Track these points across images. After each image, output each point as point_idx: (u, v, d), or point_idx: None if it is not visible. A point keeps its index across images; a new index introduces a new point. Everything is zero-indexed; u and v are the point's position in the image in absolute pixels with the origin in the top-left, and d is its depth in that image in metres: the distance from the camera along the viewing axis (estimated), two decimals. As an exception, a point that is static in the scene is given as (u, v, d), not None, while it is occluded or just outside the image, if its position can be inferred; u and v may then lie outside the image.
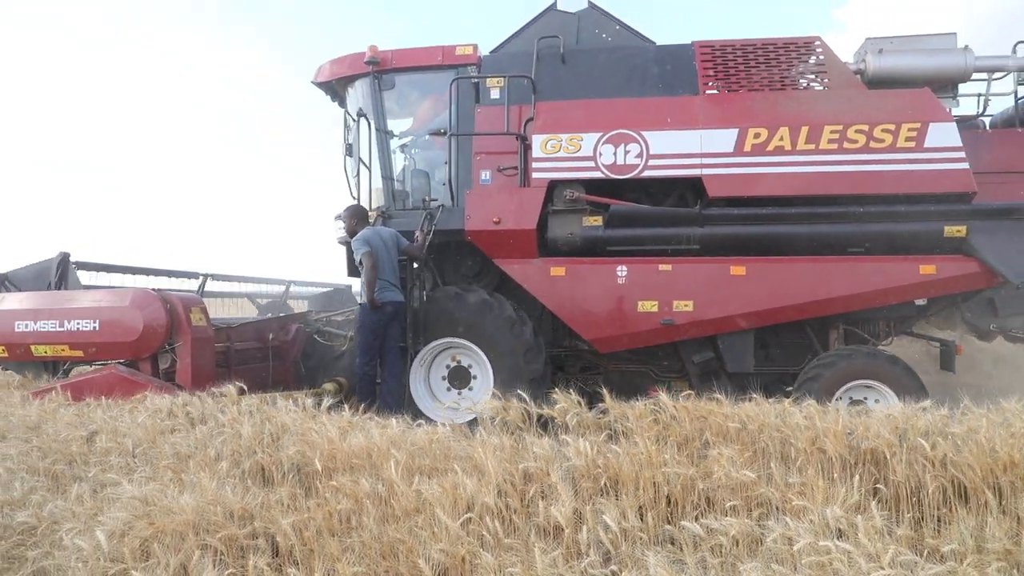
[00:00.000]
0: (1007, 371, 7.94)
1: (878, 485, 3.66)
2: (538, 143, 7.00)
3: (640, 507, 3.11)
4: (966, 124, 7.70)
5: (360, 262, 6.78)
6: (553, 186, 7.08)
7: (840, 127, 6.78)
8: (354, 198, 7.85)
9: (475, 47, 7.94)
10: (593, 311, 7.01)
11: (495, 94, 7.55)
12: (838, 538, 2.62)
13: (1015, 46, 7.59)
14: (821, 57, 7.32)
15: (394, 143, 8.22)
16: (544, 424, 4.60)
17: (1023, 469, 3.46)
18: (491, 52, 8.00)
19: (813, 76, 7.29)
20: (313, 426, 4.28)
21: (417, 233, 7.15)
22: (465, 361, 7.30)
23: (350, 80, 8.17)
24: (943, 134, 6.66)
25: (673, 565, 2.43)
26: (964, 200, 6.71)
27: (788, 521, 2.83)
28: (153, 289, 7.25)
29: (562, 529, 2.80)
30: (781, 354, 7.21)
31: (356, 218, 7.14)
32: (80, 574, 2.45)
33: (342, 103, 8.48)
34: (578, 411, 4.59)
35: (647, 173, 6.99)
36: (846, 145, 6.74)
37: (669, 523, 3.04)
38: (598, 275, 7.00)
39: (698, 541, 2.77)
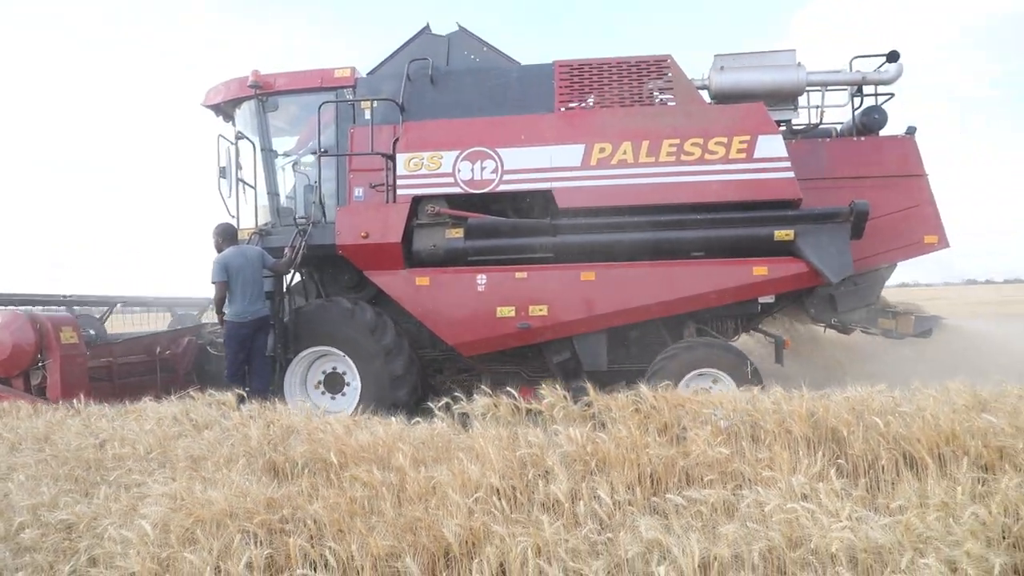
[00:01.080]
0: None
1: (839, 460, 4.05)
2: (402, 161, 7.47)
3: (628, 484, 3.46)
4: (816, 134, 8.42)
5: (213, 282, 7.22)
6: (417, 201, 7.51)
7: (678, 140, 7.26)
8: (232, 216, 8.21)
9: (353, 70, 8.40)
10: (456, 317, 7.44)
11: (368, 115, 7.99)
12: (803, 501, 3.00)
13: (851, 61, 8.28)
14: (669, 75, 7.84)
15: (279, 161, 8.66)
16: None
17: (962, 440, 3.89)
18: (368, 74, 8.45)
19: (661, 93, 7.78)
20: (320, 425, 4.58)
21: (287, 249, 7.57)
22: (340, 368, 7.69)
23: (237, 102, 8.63)
24: (771, 146, 7.19)
25: (662, 528, 2.78)
26: (791, 206, 7.23)
27: (759, 490, 3.21)
28: (22, 310, 7.78)
29: (561, 504, 3.15)
30: (639, 352, 7.68)
31: (222, 237, 7.52)
32: (133, 559, 2.71)
33: (233, 123, 8.89)
34: (564, 405, 4.96)
35: (502, 187, 7.47)
36: (683, 157, 7.24)
37: (655, 496, 3.39)
38: (459, 284, 7.41)
39: (681, 510, 3.14)
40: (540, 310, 7.30)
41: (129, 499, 3.47)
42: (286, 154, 8.76)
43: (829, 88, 8.35)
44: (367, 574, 2.59)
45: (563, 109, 7.77)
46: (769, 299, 7.53)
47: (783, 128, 8.22)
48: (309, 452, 4.14)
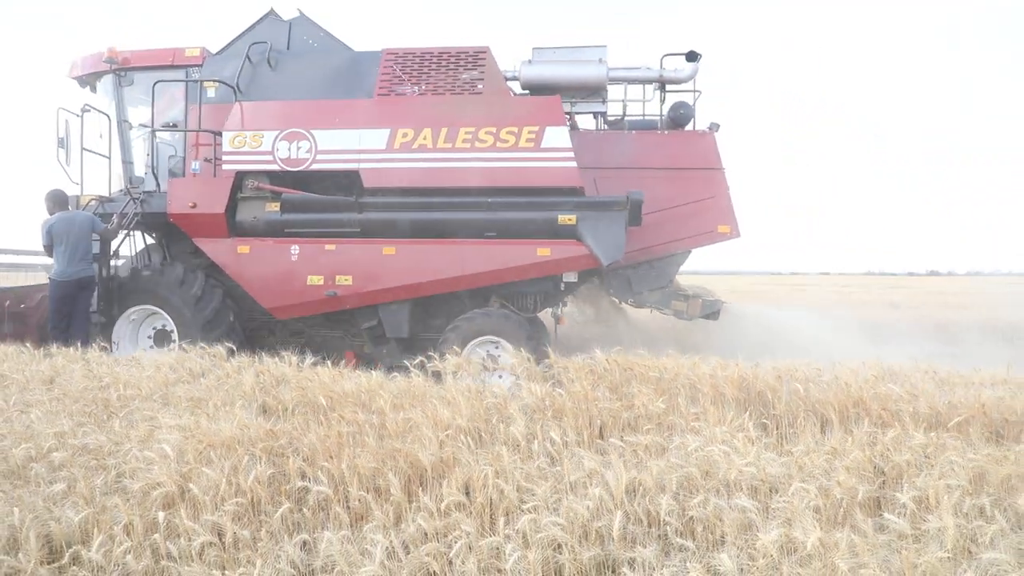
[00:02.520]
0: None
1: (764, 420, 4.67)
2: (227, 139, 8.23)
3: (578, 429, 4.04)
4: (641, 125, 9.13)
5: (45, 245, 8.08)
6: (242, 176, 8.27)
7: (473, 129, 7.98)
8: (76, 184, 8.86)
9: (203, 50, 9.03)
10: (271, 284, 8.23)
11: (211, 93, 8.71)
12: (721, 445, 3.59)
13: (662, 59, 8.97)
14: (483, 66, 8.48)
15: (135, 133, 9.30)
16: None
17: (867, 403, 4.53)
18: (216, 54, 9.04)
19: (474, 83, 8.42)
20: (307, 375, 5.10)
21: (115, 216, 8.27)
22: (168, 326, 8.37)
23: (98, 75, 9.26)
24: (556, 137, 7.87)
25: (601, 462, 3.35)
26: (575, 193, 7.95)
27: (689, 437, 3.81)
28: None
29: (519, 442, 3.72)
30: (439, 322, 8.47)
31: (53, 202, 8.25)
32: (159, 472, 3.23)
33: (96, 93, 9.57)
34: (527, 366, 5.56)
35: (315, 166, 8.18)
36: (477, 144, 7.95)
37: (600, 439, 3.98)
38: (276, 253, 8.19)
39: (619, 450, 3.72)
40: (346, 280, 8.08)
41: (145, 429, 3.97)
42: (143, 126, 9.23)
43: (631, 83, 9.04)
44: (354, 487, 3.13)
45: (381, 95, 8.40)
46: (572, 277, 8.25)
47: (600, 119, 9.10)
48: (299, 397, 4.66)
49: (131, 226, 8.51)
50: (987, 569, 2.20)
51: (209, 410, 4.47)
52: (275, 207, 8.27)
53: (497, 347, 7.78)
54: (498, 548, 2.58)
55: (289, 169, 8.21)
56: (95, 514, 2.97)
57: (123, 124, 9.19)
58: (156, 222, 8.62)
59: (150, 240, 9.36)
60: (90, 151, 8.84)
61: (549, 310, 8.77)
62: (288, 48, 9.03)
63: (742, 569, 2.34)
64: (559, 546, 2.64)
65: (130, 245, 8.92)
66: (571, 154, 7.79)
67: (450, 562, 2.55)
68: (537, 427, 3.93)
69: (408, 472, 3.34)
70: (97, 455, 3.71)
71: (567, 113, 8.68)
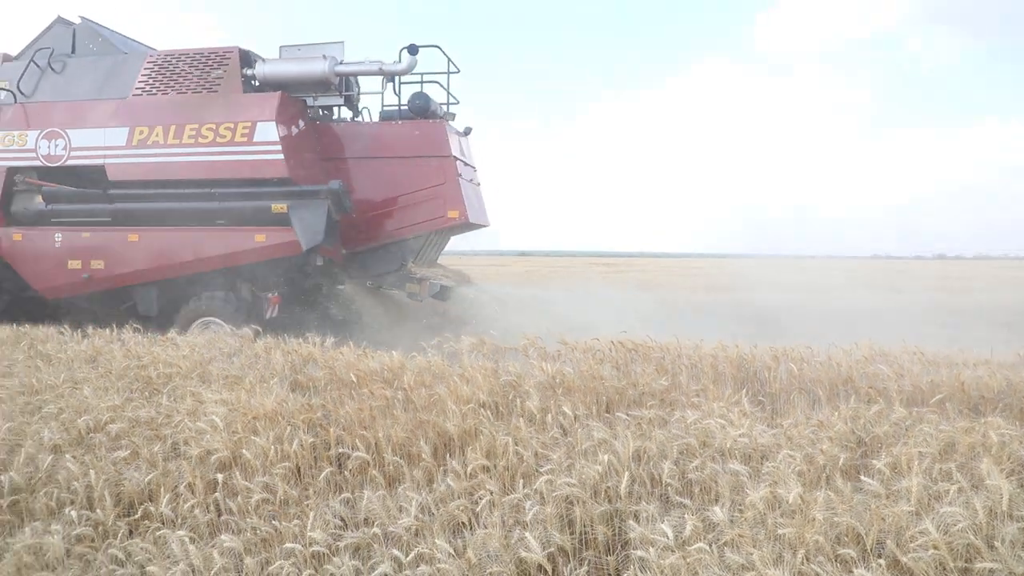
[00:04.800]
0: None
1: (760, 397, 5.02)
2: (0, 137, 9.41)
3: (587, 404, 4.40)
4: (387, 116, 9.67)
5: None
6: (14, 171, 9.45)
7: (197, 125, 8.84)
8: None
9: (4, 55, 9.94)
10: (40, 268, 9.38)
11: (2, 96, 9.74)
12: (717, 418, 3.94)
13: (400, 51, 9.36)
14: (227, 65, 9.20)
15: None
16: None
17: (856, 381, 4.88)
18: (15, 58, 9.91)
19: (214, 82, 9.18)
20: (333, 355, 5.47)
21: None
22: None
23: None
24: (266, 132, 8.68)
25: (609, 433, 3.71)
26: (286, 184, 8.72)
27: (688, 412, 4.16)
28: None
29: (534, 415, 4.08)
30: (183, 303, 9.15)
31: None
32: (212, 440, 3.60)
33: None
34: (538, 347, 5.92)
35: (70, 162, 9.26)
36: (200, 140, 8.82)
37: (607, 413, 4.34)
38: (43, 240, 9.33)
39: (625, 422, 4.08)
40: (99, 264, 9.11)
41: (191, 403, 4.35)
42: None
43: (356, 76, 9.67)
44: (389, 453, 3.50)
45: (135, 95, 9.28)
46: (319, 261, 9.04)
47: (337, 110, 9.85)
48: (328, 375, 5.03)
49: None
50: (943, 519, 2.55)
51: (246, 386, 4.84)
52: (41, 199, 9.42)
53: (217, 326, 8.60)
54: (518, 504, 2.94)
55: (50, 165, 9.33)
56: (160, 476, 3.34)
57: None
58: None
59: None
60: None
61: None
62: (73, 52, 9.84)
63: (732, 520, 2.69)
64: (572, 503, 3.00)
65: None
66: (279, 147, 8.60)
67: (477, 515, 2.91)
68: (550, 402, 4.29)
69: (436, 441, 3.70)
70: (151, 426, 4.09)
71: (323, 107, 9.62)
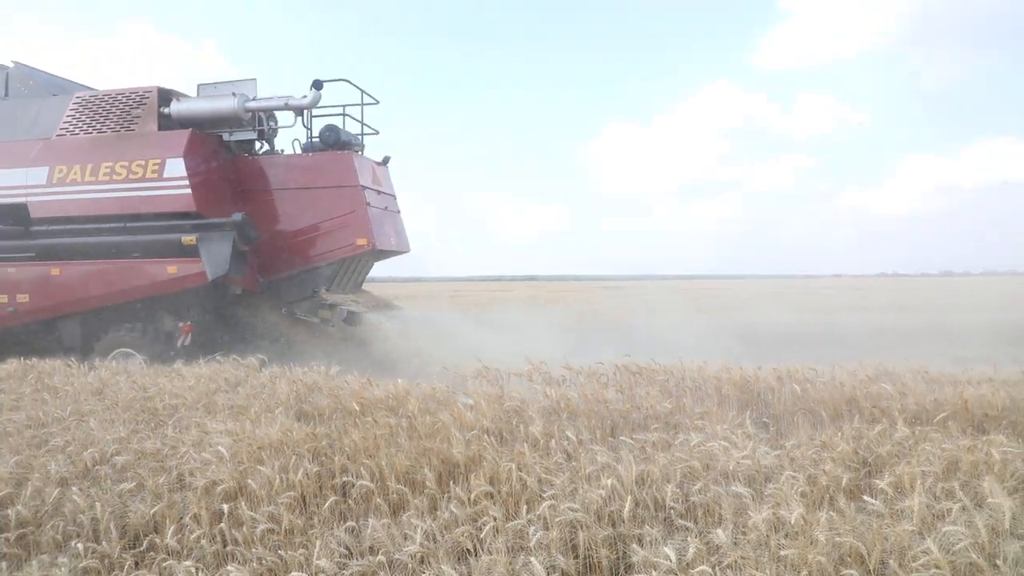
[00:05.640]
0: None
1: (764, 419, 5.02)
2: None
3: (591, 429, 4.41)
4: (306, 148, 10.02)
5: None
6: None
7: (111, 163, 9.28)
8: None
9: None
10: None
11: None
12: (721, 441, 3.95)
13: (314, 83, 9.67)
14: (146, 105, 9.64)
15: None
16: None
17: (859, 401, 4.88)
18: None
19: (132, 121, 9.61)
20: (338, 384, 5.50)
21: None
22: None
23: None
24: (175, 167, 9.11)
25: (613, 457, 3.72)
26: (194, 217, 9.08)
27: (692, 434, 4.16)
28: None
29: (538, 440, 4.09)
30: (105, 334, 9.49)
31: None
32: (217, 471, 3.62)
33: None
34: (542, 372, 5.93)
35: None
36: (115, 177, 9.27)
37: (611, 437, 4.34)
38: None
39: (629, 447, 4.08)
40: (24, 298, 9.51)
41: (196, 434, 4.37)
42: None
43: (265, 112, 10.01)
44: (393, 481, 3.51)
45: (59, 136, 9.72)
46: (237, 290, 9.49)
47: (262, 145, 10.23)
48: (333, 404, 5.06)
49: None
50: (945, 538, 2.55)
51: (251, 416, 4.87)
52: None
53: (131, 356, 8.99)
54: (522, 530, 2.95)
55: None
56: (165, 507, 3.36)
57: None
58: None
59: None
60: None
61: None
62: (7, 95, 10.34)
63: (735, 542, 2.70)
64: (576, 528, 3.01)
65: None
66: (186, 182, 9.01)
67: (481, 541, 2.92)
68: (554, 427, 4.30)
69: (440, 468, 3.72)
70: (156, 457, 4.11)
71: (238, 141, 9.96)
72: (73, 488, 3.62)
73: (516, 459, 3.65)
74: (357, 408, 4.74)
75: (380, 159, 10.55)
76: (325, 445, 4.09)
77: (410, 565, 2.77)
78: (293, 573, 2.72)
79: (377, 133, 10.55)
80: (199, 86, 9.98)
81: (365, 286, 11.38)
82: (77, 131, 9.68)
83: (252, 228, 9.08)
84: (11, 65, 10.43)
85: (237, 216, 8.93)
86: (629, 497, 3.12)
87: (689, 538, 2.75)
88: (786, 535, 2.73)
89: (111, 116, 9.64)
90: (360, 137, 10.18)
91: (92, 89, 10.56)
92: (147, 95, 9.60)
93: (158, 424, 4.98)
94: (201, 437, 4.28)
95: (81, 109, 9.76)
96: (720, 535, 2.66)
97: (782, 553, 2.55)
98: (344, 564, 2.78)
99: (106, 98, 9.80)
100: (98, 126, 9.63)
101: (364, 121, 10.22)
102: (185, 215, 9.08)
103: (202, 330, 9.30)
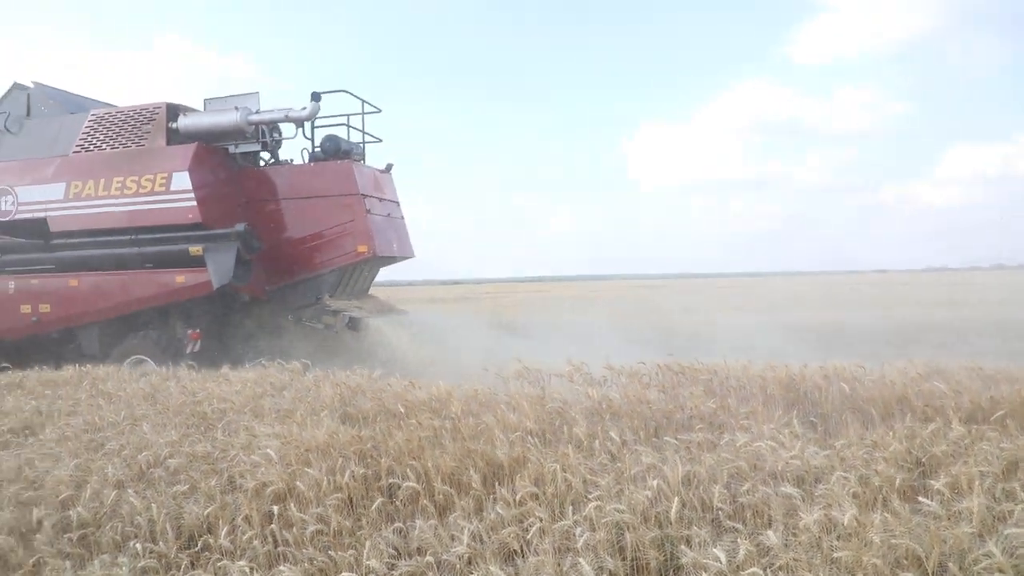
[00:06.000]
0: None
1: (811, 418, 4.93)
2: None
3: (634, 429, 4.38)
4: (313, 158, 10.28)
5: None
6: None
7: (123, 178, 9.63)
8: None
9: None
10: None
11: None
12: (768, 441, 3.89)
13: (313, 95, 9.84)
14: (156, 121, 9.96)
15: None
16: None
17: (911, 400, 4.76)
18: None
19: (143, 137, 9.97)
20: (381, 386, 5.56)
21: None
22: None
23: None
24: (181, 181, 9.41)
25: (658, 458, 3.69)
26: (200, 228, 9.36)
27: (737, 434, 4.11)
28: None
29: (582, 441, 4.08)
30: (121, 341, 9.95)
31: None
32: (267, 473, 3.69)
33: None
34: (583, 372, 5.91)
35: (19, 216, 10.21)
36: (125, 191, 9.62)
37: (655, 438, 4.31)
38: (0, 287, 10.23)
39: (674, 447, 4.05)
40: (46, 308, 9.99)
41: (245, 437, 4.45)
42: None
43: (267, 124, 10.21)
44: (439, 482, 3.53)
45: (75, 152, 10.15)
46: (245, 298, 9.82)
47: (267, 156, 10.52)
48: (377, 406, 5.11)
49: None
50: (1009, 542, 2.47)
51: (298, 419, 4.95)
52: None
53: (144, 362, 9.35)
54: (568, 530, 2.94)
55: (2, 219, 10.33)
56: (218, 509, 3.43)
57: None
58: None
59: None
60: None
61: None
62: (29, 115, 10.82)
63: (786, 544, 2.66)
64: (622, 529, 2.99)
65: None
66: (191, 195, 9.35)
67: (527, 542, 2.92)
68: (597, 428, 4.28)
69: (484, 469, 3.73)
70: (207, 460, 4.20)
71: (244, 153, 10.25)
72: (129, 490, 3.72)
73: (560, 460, 3.64)
74: (402, 410, 4.78)
75: (383, 166, 10.84)
76: (370, 447, 4.13)
77: (458, 566, 2.78)
78: (344, 574, 2.75)
79: (380, 141, 10.89)
80: (206, 100, 10.35)
81: (383, 292, 11.75)
82: (92, 147, 10.14)
83: (255, 238, 9.51)
84: (32, 86, 10.98)
85: (240, 226, 9.30)
86: (676, 498, 3.09)
87: (739, 539, 2.72)
88: (838, 537, 2.68)
89: (124, 132, 10.07)
90: (362, 146, 10.49)
91: (109, 105, 11.07)
92: (156, 111, 10.03)
93: (208, 428, 5.08)
94: (250, 440, 4.36)
95: (96, 126, 10.23)
96: (771, 536, 2.62)
97: (835, 555, 2.50)
98: (393, 565, 2.80)
99: (119, 115, 10.25)
100: (111, 142, 10.08)
101: (365, 130, 10.58)
102: (191, 226, 9.47)
103: (211, 337, 9.73)
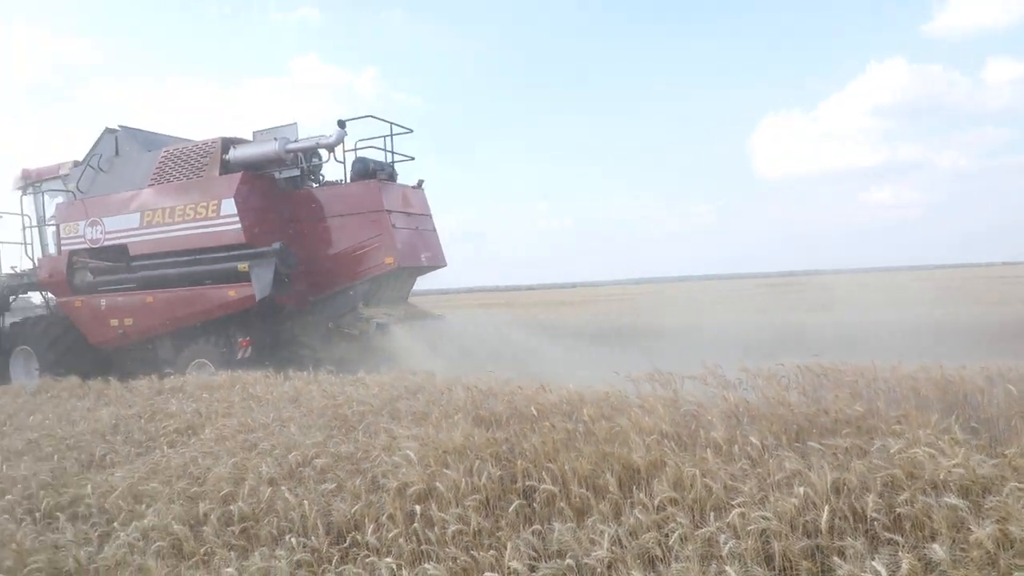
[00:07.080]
0: None
1: (973, 424, 4.55)
2: (62, 229, 12.48)
3: (775, 433, 4.20)
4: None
5: None
6: (74, 253, 12.20)
7: (182, 205, 11.11)
8: (30, 259, 13.63)
9: (74, 162, 12.77)
10: (92, 325, 12.13)
11: (59, 197, 12.92)
12: (925, 447, 3.62)
13: (338, 123, 11.12)
14: (212, 154, 11.10)
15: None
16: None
17: (1094, 402, 4.30)
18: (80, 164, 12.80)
19: (201, 169, 11.27)
20: (512, 389, 5.62)
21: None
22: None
23: (23, 187, 13.75)
24: (228, 207, 10.71)
25: (802, 463, 3.52)
26: (245, 247, 10.63)
27: (889, 439, 3.85)
28: None
29: (720, 445, 3.96)
30: (191, 348, 11.25)
31: None
32: (408, 473, 3.82)
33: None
34: (716, 375, 5.74)
35: (106, 243, 11.92)
36: (187, 217, 11.05)
37: (797, 443, 4.12)
38: (93, 304, 12.07)
39: (818, 452, 3.85)
40: (129, 321, 11.70)
41: (385, 438, 4.63)
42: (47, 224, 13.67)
43: (302, 152, 11.17)
44: (576, 485, 3.53)
45: (150, 185, 11.65)
46: (290, 308, 10.99)
47: (310, 180, 11.66)
48: (509, 409, 5.17)
49: (17, 291, 13.93)
50: None
51: (433, 421, 5.09)
52: (90, 273, 12.10)
53: (206, 366, 10.64)
54: (711, 537, 2.86)
55: (94, 246, 12.01)
56: (364, 507, 3.59)
57: (32, 220, 13.66)
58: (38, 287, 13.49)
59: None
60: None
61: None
62: (117, 154, 12.30)
63: (955, 560, 2.46)
64: (768, 537, 2.87)
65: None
66: (237, 218, 10.61)
67: (669, 548, 2.87)
68: (735, 432, 4.14)
69: (620, 473, 3.69)
70: (351, 460, 4.40)
71: (287, 178, 11.45)
72: (283, 487, 3.95)
73: (699, 464, 3.55)
74: (534, 413, 4.82)
75: (415, 183, 11.93)
76: (505, 450, 4.19)
77: (598, 569, 2.77)
78: (486, 573, 2.80)
79: (412, 159, 11.92)
80: (254, 132, 11.59)
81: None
82: (162, 180, 11.60)
83: (291, 254, 10.59)
84: (120, 129, 12.58)
85: (276, 244, 10.38)
86: (826, 506, 2.94)
87: (900, 553, 2.55)
88: (1017, 554, 2.46)
89: (187, 165, 11.45)
90: (392, 165, 11.50)
91: (181, 141, 12.56)
92: (213, 145, 11.36)
93: (349, 429, 5.32)
94: (390, 442, 4.53)
95: (166, 161, 11.67)
96: (937, 551, 2.44)
97: (1015, 574, 2.30)
98: (534, 567, 2.83)
99: (184, 150, 11.66)
100: (177, 174, 11.48)
101: (394, 150, 11.59)
102: (240, 246, 10.64)
103: (260, 344, 10.90)
